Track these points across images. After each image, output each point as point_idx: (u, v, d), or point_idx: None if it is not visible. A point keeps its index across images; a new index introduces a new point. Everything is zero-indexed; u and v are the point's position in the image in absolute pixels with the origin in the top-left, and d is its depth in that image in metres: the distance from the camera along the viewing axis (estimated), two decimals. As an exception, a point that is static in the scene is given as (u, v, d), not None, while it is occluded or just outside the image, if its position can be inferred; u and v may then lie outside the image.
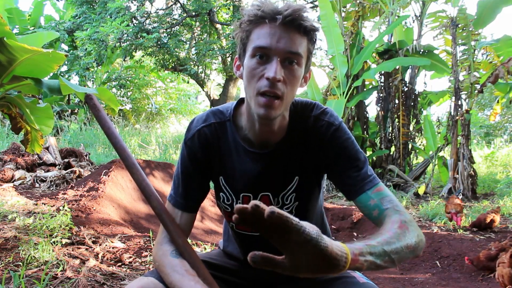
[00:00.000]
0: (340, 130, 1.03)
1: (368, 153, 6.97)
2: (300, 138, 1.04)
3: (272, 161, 1.05)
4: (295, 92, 0.97)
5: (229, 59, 10.88)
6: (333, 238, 1.09)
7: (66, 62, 10.09)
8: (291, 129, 1.04)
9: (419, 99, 6.73)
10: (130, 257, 2.39)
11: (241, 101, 1.08)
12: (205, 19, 10.75)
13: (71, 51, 10.29)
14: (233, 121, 1.06)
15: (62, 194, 3.57)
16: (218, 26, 11.18)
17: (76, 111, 11.27)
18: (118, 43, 9.40)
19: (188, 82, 12.87)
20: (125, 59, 11.01)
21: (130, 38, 9.43)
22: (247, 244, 1.16)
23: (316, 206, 1.15)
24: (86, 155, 5.92)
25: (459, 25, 5.67)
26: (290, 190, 1.07)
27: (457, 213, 3.61)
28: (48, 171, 4.99)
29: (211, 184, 1.14)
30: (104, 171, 3.84)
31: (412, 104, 6.56)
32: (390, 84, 6.49)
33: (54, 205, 3.11)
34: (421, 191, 5.74)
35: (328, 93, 7.01)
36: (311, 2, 10.52)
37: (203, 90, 11.51)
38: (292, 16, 0.90)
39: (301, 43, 0.93)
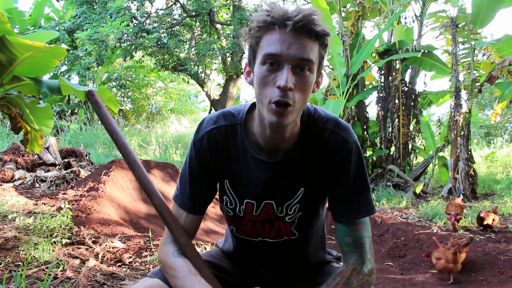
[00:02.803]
0: (354, 151, 1.01)
1: (368, 153, 6.97)
2: (312, 149, 1.02)
3: (279, 171, 1.03)
4: (307, 99, 0.95)
5: (229, 59, 10.87)
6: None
7: (66, 62, 10.08)
8: (302, 137, 1.02)
9: (419, 99, 6.73)
10: (130, 257, 2.39)
11: (254, 105, 1.05)
12: (205, 19, 10.74)
13: (71, 51, 10.29)
14: (245, 125, 1.04)
15: (62, 194, 3.57)
16: (218, 26, 11.17)
17: (76, 111, 11.28)
18: (118, 43, 9.39)
19: (188, 82, 12.86)
20: (125, 59, 11.00)
21: (130, 38, 9.43)
22: (246, 248, 1.16)
23: (320, 217, 1.14)
24: (86, 155, 5.92)
25: (459, 25, 5.67)
26: (295, 201, 1.05)
27: (457, 215, 3.60)
28: (48, 171, 4.99)
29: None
30: (104, 171, 3.84)
31: (412, 104, 6.56)
32: (390, 84, 6.49)
33: (54, 205, 3.11)
34: (418, 189, 5.74)
35: (328, 93, 7.02)
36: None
37: (203, 90, 11.51)
38: (303, 21, 0.87)
39: (312, 48, 0.90)
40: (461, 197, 3.87)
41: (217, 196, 1.14)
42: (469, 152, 5.74)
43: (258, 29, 0.91)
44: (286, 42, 0.88)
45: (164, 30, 10.16)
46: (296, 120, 0.97)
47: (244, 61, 1.01)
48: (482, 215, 3.54)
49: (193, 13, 10.41)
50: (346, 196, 1.03)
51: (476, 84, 5.67)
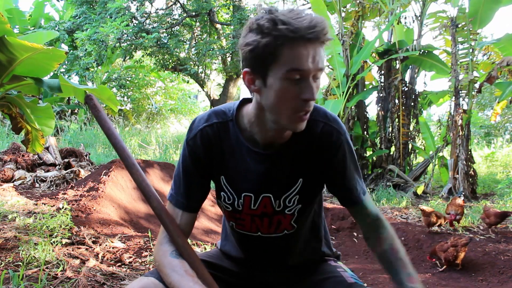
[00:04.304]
0: (347, 140, 1.06)
1: (368, 153, 6.97)
2: (307, 141, 1.04)
3: (276, 162, 1.05)
4: None
5: (229, 59, 10.88)
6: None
7: (66, 62, 10.09)
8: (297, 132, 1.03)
9: (419, 99, 6.73)
10: (130, 257, 2.39)
11: (243, 102, 1.07)
12: (205, 19, 10.74)
13: (71, 51, 10.29)
14: (236, 122, 1.05)
15: (62, 194, 3.57)
16: (218, 26, 11.17)
17: (76, 111, 11.28)
18: (118, 43, 9.39)
19: (188, 82, 12.87)
20: (125, 59, 11.01)
21: (130, 38, 9.43)
22: (246, 243, 1.16)
23: (315, 207, 1.16)
24: (86, 155, 5.93)
25: (459, 25, 5.67)
26: (293, 192, 1.06)
27: (457, 215, 3.60)
28: (48, 171, 4.99)
29: (212, 184, 1.14)
30: (104, 171, 3.84)
31: (412, 104, 6.56)
32: (390, 84, 6.49)
33: (54, 205, 3.11)
34: (419, 190, 5.74)
35: (328, 93, 7.02)
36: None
37: (203, 90, 11.51)
38: (322, 37, 0.88)
39: (324, 55, 0.92)
40: (462, 197, 3.87)
41: (214, 194, 1.14)
42: (469, 152, 5.73)
43: (276, 42, 0.87)
44: (310, 56, 0.88)
45: (164, 30, 10.17)
46: None
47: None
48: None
49: (193, 13, 10.41)
50: (347, 182, 1.08)
51: (475, 84, 5.68)
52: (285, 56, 0.88)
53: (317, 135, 1.03)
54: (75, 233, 2.59)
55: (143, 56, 11.09)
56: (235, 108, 1.07)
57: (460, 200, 3.71)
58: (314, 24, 0.87)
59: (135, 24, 9.70)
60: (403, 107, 6.49)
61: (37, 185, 4.57)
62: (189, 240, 1.10)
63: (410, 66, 6.74)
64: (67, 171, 4.77)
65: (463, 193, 5.16)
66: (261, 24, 0.88)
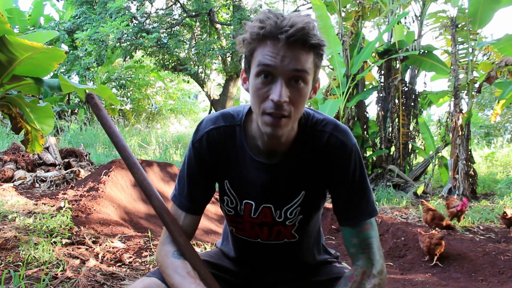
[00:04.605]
0: (354, 153, 1.01)
1: (368, 153, 6.97)
2: (310, 151, 1.02)
3: (277, 173, 1.03)
4: (302, 109, 0.95)
5: (229, 59, 10.88)
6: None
7: (66, 62, 10.09)
8: (301, 140, 1.01)
9: (419, 99, 6.73)
10: (130, 257, 2.39)
11: None
12: (205, 19, 10.75)
13: (71, 51, 10.29)
14: (243, 127, 1.04)
15: (62, 194, 3.57)
16: (218, 26, 11.18)
17: (76, 111, 11.28)
18: (118, 43, 9.39)
19: (188, 82, 12.87)
20: (125, 59, 11.01)
21: (130, 38, 9.43)
22: (245, 248, 1.16)
23: (318, 215, 1.15)
24: (86, 155, 5.92)
25: (459, 25, 5.68)
26: (295, 204, 1.05)
27: (463, 205, 3.58)
28: (48, 171, 4.99)
29: (216, 187, 1.14)
30: (104, 171, 3.84)
31: (412, 104, 6.56)
32: (390, 84, 6.49)
33: (54, 205, 3.11)
34: (419, 191, 5.74)
35: (328, 93, 7.02)
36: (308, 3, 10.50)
37: (203, 90, 11.51)
38: (296, 36, 0.86)
39: (306, 59, 0.89)
40: (456, 196, 3.88)
41: (217, 197, 1.14)
42: (469, 152, 5.73)
43: (251, 41, 0.90)
44: (280, 55, 0.87)
45: (164, 30, 10.17)
46: (292, 126, 0.97)
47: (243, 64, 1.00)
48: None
49: (193, 13, 10.42)
50: (348, 200, 1.03)
51: (475, 84, 5.68)
52: (258, 53, 0.90)
53: (321, 146, 1.00)
54: (75, 233, 2.59)
55: (143, 56, 11.09)
56: (245, 112, 1.05)
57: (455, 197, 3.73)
58: (290, 26, 0.86)
59: (135, 24, 9.70)
60: (403, 107, 6.49)
61: (37, 185, 4.56)
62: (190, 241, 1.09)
63: (410, 66, 6.74)
64: (67, 171, 4.77)
65: (457, 193, 5.18)
66: (246, 23, 0.92)
